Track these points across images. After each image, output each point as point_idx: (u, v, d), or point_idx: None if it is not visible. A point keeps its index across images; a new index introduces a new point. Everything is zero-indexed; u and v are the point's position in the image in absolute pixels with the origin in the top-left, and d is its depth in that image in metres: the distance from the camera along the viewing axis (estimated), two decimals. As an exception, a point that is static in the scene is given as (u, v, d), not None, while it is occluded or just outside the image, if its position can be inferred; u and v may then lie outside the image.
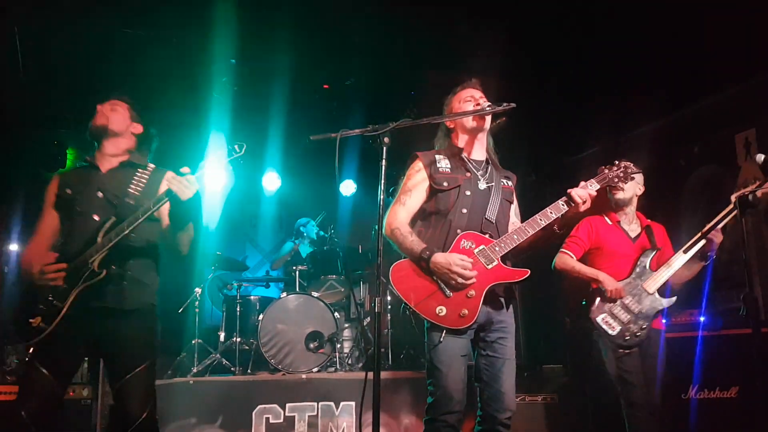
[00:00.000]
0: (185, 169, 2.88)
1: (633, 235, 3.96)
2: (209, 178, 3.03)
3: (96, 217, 2.95)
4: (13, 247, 6.77)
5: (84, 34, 5.39)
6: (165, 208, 2.95)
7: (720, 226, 3.67)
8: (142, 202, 2.94)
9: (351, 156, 7.31)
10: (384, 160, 2.61)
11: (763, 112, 5.01)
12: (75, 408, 4.73)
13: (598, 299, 3.73)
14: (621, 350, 3.68)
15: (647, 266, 3.79)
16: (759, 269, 4.75)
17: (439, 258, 2.73)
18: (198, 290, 6.08)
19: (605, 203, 4.02)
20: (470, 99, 3.04)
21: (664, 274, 3.73)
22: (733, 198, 3.43)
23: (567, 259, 3.92)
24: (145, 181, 3.07)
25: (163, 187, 2.94)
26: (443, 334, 2.74)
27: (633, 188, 3.92)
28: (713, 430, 4.13)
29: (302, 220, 7.55)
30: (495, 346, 2.85)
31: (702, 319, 4.47)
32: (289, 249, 7.41)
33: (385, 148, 2.62)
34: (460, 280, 2.70)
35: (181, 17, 5.27)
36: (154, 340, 3.10)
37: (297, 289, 6.23)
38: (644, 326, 3.67)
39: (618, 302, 3.70)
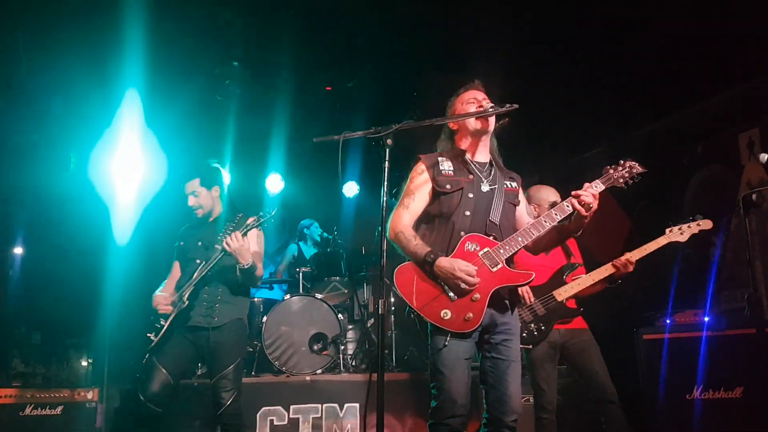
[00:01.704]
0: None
1: None
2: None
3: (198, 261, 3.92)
4: (17, 250, 6.81)
5: (90, 36, 5.41)
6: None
7: (635, 258, 3.80)
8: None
9: (354, 157, 7.33)
10: (387, 162, 2.61)
11: (766, 111, 5.00)
12: (81, 410, 4.75)
13: None
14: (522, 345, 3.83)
15: (563, 278, 3.98)
16: (763, 269, 4.74)
17: (444, 262, 2.72)
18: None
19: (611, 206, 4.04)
20: (473, 101, 3.02)
21: (573, 288, 3.91)
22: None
23: None
24: (232, 227, 3.86)
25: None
26: (448, 338, 2.72)
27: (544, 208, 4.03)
28: (718, 430, 4.12)
29: (305, 222, 7.56)
30: (500, 348, 2.84)
31: (706, 319, 4.46)
32: (293, 251, 7.42)
33: (387, 149, 2.62)
34: (463, 285, 2.69)
35: (185, 21, 5.29)
36: (239, 346, 3.98)
37: (300, 291, 6.23)
38: (543, 327, 3.87)
39: (525, 305, 3.89)
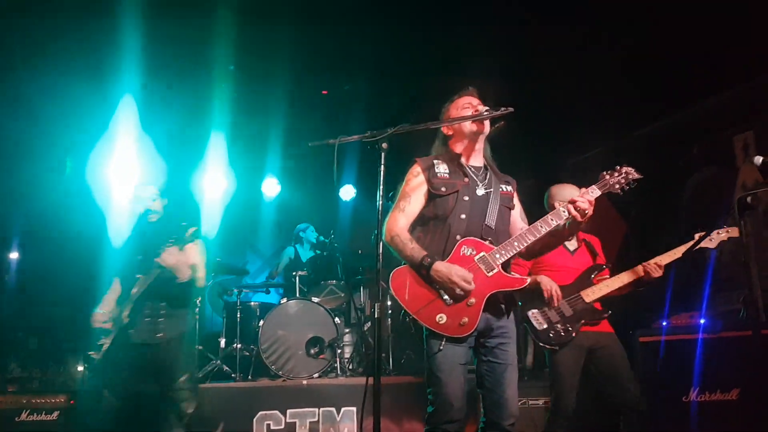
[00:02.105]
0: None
1: (571, 248, 4.04)
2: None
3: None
4: (13, 255, 6.79)
5: (86, 41, 5.40)
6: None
7: (664, 262, 3.80)
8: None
9: (350, 161, 7.32)
10: (383, 166, 2.62)
11: (761, 114, 5.03)
12: (77, 415, 4.72)
13: (534, 298, 3.83)
14: (542, 345, 3.81)
15: (591, 279, 3.93)
16: (759, 271, 4.75)
17: (441, 267, 2.72)
18: (198, 297, 6.08)
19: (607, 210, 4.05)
20: (468, 106, 3.04)
21: (602, 290, 3.85)
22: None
23: None
24: (172, 241, 3.81)
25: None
26: (443, 342, 2.72)
27: None
28: (714, 432, 4.12)
29: (302, 225, 7.56)
30: (496, 351, 2.84)
31: (702, 321, 4.46)
32: (289, 254, 7.42)
33: (383, 153, 2.62)
34: (459, 290, 2.69)
35: (181, 25, 5.29)
36: (190, 356, 4.07)
37: (297, 295, 6.23)
38: (570, 328, 3.78)
39: (552, 305, 3.81)
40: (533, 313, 3.83)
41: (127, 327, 3.76)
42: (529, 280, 2.84)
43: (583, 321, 3.81)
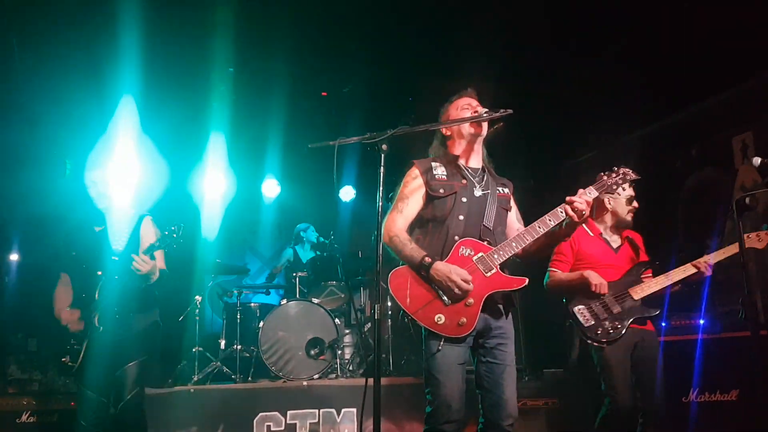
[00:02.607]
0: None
1: (615, 245, 3.99)
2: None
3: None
4: (13, 257, 6.79)
5: (85, 43, 5.41)
6: None
7: (713, 261, 3.73)
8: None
9: (350, 162, 7.33)
10: (382, 167, 2.63)
11: (760, 115, 5.03)
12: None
13: (579, 293, 3.78)
14: (589, 341, 3.73)
15: (638, 276, 3.84)
16: (757, 272, 4.76)
17: (441, 266, 2.73)
18: (198, 298, 6.08)
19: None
20: (467, 107, 3.06)
21: (651, 287, 3.77)
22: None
23: (554, 275, 3.96)
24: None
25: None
26: (441, 343, 2.73)
27: (620, 200, 3.98)
28: (714, 433, 4.13)
29: (302, 225, 7.56)
30: (495, 352, 2.85)
31: (701, 322, 4.47)
32: (288, 256, 7.43)
33: (383, 154, 2.63)
34: (457, 290, 2.70)
35: (180, 27, 5.30)
36: (150, 341, 3.92)
37: (297, 296, 6.23)
38: (619, 326, 3.69)
39: (599, 300, 3.74)
40: (579, 309, 3.76)
41: (102, 334, 3.63)
42: (527, 280, 2.83)
43: (633, 319, 3.70)
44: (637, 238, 4.08)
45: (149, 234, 3.82)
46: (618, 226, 4.01)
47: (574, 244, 3.95)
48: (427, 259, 2.74)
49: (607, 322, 3.71)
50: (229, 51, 5.60)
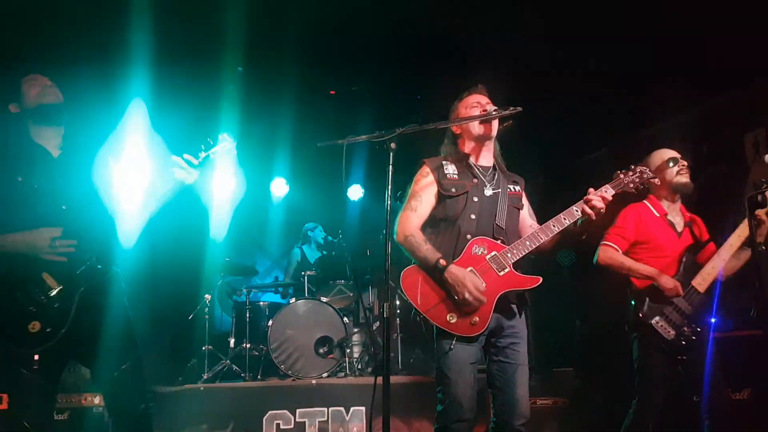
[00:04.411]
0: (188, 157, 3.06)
1: (679, 229, 3.73)
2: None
3: (65, 207, 2.80)
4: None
5: (87, 45, 5.43)
6: None
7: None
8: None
9: (358, 160, 7.34)
10: (391, 166, 2.62)
11: (772, 112, 4.99)
12: (87, 415, 4.75)
13: (648, 300, 3.54)
14: (679, 356, 3.47)
15: (695, 261, 3.59)
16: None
17: (456, 270, 2.70)
18: (208, 297, 6.11)
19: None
20: (477, 105, 3.04)
21: (713, 268, 3.50)
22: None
23: (613, 254, 3.66)
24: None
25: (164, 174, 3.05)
26: (453, 342, 2.72)
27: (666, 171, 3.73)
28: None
29: (310, 225, 7.58)
30: (507, 351, 2.84)
31: (713, 320, 4.43)
32: (296, 257, 7.44)
33: (391, 153, 2.62)
34: (468, 296, 2.66)
35: (189, 26, 5.31)
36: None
37: (306, 295, 6.24)
38: (698, 329, 3.48)
39: (672, 305, 3.50)
40: (657, 322, 3.48)
41: None
42: (541, 279, 2.80)
43: (707, 317, 3.42)
44: (699, 222, 3.81)
45: None
46: (675, 191, 3.72)
47: (640, 222, 3.70)
48: (442, 262, 2.72)
49: (685, 328, 3.48)
50: (238, 50, 5.61)
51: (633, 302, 3.65)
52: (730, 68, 5.02)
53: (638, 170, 2.97)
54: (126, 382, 2.79)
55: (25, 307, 2.62)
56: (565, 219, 2.83)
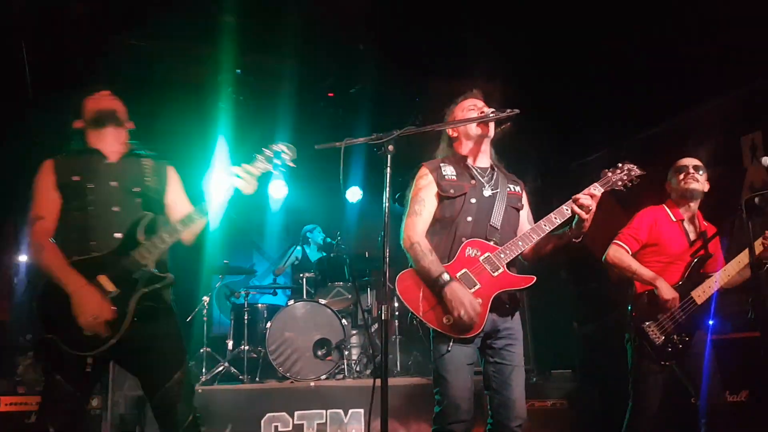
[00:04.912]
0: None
1: (692, 237, 3.73)
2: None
3: (116, 209, 2.81)
4: (22, 258, 6.83)
5: (90, 47, 5.43)
6: (176, 201, 3.05)
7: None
8: (158, 194, 2.96)
9: (357, 162, 7.33)
10: (389, 168, 2.62)
11: (769, 114, 5.00)
12: (85, 417, 4.75)
13: (644, 304, 3.58)
14: (662, 362, 3.49)
15: (700, 271, 3.61)
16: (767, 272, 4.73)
17: (457, 288, 2.68)
18: (206, 299, 6.11)
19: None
20: (473, 108, 3.05)
21: (711, 287, 3.54)
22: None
23: (622, 254, 3.66)
24: (151, 171, 3.01)
25: (172, 178, 3.08)
26: (450, 344, 2.73)
27: (704, 181, 3.75)
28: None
29: (309, 226, 7.57)
30: (503, 353, 2.84)
31: (711, 322, 4.44)
32: (297, 254, 7.42)
33: (389, 155, 2.63)
34: (463, 315, 2.64)
35: (186, 29, 5.31)
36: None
37: (304, 297, 6.24)
38: (687, 338, 3.50)
39: (668, 312, 3.53)
40: (648, 325, 3.51)
41: None
42: (535, 279, 2.80)
43: (698, 331, 3.44)
44: (712, 232, 3.81)
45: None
46: (685, 197, 3.72)
47: (653, 225, 3.70)
48: (445, 277, 2.69)
49: (675, 336, 3.50)
50: (235, 52, 5.62)
51: (630, 305, 3.67)
52: (728, 70, 5.03)
53: (626, 168, 2.96)
54: (177, 393, 2.74)
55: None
56: (555, 218, 2.83)
